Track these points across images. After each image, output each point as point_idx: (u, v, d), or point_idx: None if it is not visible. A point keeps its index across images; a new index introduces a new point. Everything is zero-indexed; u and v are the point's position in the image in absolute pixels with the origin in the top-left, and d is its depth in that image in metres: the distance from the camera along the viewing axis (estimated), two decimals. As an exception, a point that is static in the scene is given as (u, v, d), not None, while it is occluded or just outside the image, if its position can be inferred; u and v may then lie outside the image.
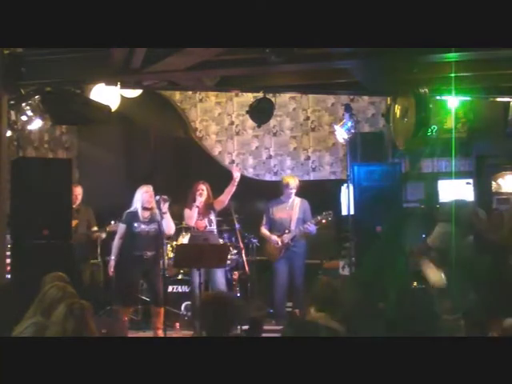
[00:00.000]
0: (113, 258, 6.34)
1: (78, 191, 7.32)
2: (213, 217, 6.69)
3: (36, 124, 6.86)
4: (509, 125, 7.05)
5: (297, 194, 6.94)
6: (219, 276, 6.51)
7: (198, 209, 6.55)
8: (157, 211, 6.22)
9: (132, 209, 6.33)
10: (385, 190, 5.77)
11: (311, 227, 6.75)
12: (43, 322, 3.04)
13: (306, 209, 6.89)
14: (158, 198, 6.22)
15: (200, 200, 6.54)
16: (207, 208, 6.63)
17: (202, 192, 6.57)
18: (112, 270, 6.35)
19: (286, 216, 6.86)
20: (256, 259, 7.43)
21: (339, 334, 3.00)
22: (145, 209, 6.29)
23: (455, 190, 7.60)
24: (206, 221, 6.63)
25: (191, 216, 6.59)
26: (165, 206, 6.20)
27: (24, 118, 6.70)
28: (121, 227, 6.39)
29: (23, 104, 6.35)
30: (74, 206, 7.21)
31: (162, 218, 6.16)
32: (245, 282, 7.28)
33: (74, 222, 7.16)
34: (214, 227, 6.67)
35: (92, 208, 7.43)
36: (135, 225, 6.26)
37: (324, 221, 6.80)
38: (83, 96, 5.61)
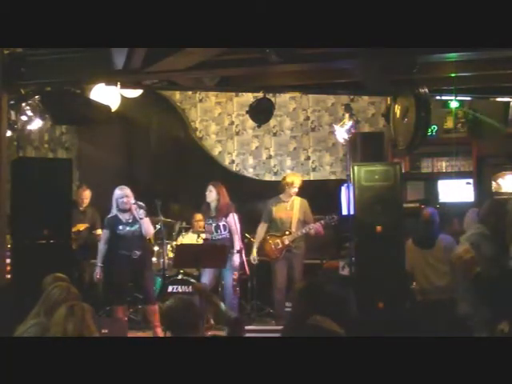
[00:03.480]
0: (99, 264, 6.35)
1: (86, 195, 7.38)
2: (231, 219, 6.65)
3: (36, 124, 6.86)
4: (509, 124, 7.06)
5: (297, 194, 6.93)
6: (229, 277, 6.55)
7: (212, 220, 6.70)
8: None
9: (111, 214, 6.32)
10: (385, 189, 5.77)
11: (319, 228, 6.77)
12: (46, 323, 3.03)
13: (306, 209, 6.89)
14: (133, 202, 6.21)
15: (211, 212, 6.68)
16: (221, 212, 6.65)
17: (210, 194, 6.64)
18: (98, 276, 6.35)
19: (286, 217, 6.86)
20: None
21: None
22: (123, 211, 6.28)
23: (455, 190, 7.61)
24: (220, 225, 6.68)
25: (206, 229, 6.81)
26: (140, 213, 6.19)
27: (24, 117, 6.70)
28: (104, 233, 6.42)
29: (23, 104, 6.35)
30: (81, 209, 7.30)
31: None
32: (245, 282, 7.27)
33: (80, 224, 7.23)
34: (226, 233, 6.67)
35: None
36: (120, 227, 6.26)
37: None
38: (83, 96, 5.61)
